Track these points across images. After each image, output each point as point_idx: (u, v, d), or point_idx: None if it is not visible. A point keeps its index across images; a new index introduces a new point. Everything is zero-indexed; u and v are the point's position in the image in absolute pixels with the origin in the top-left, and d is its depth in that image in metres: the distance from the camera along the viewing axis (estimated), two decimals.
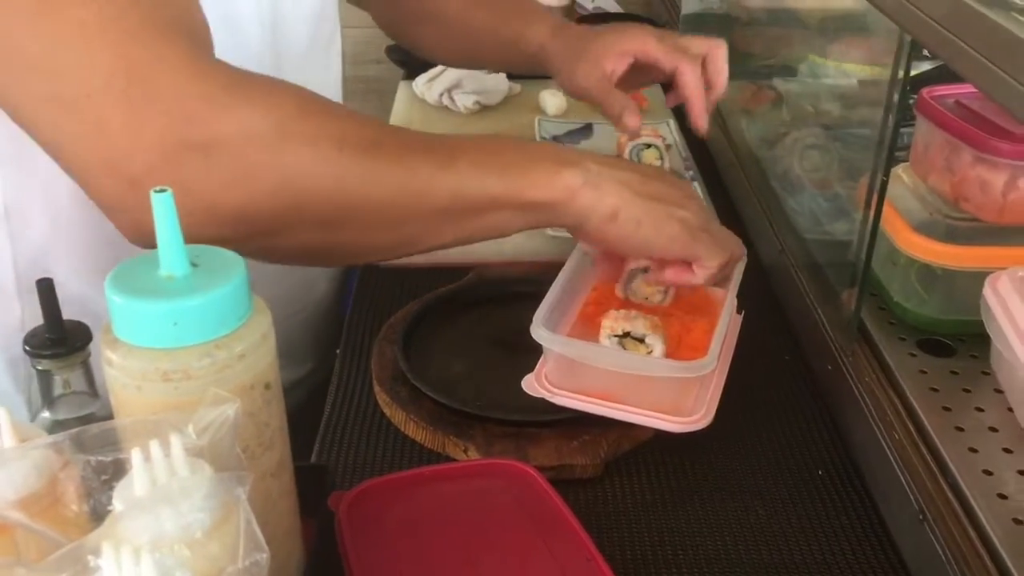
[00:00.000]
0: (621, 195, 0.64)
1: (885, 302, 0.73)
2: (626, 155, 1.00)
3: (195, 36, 0.59)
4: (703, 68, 0.83)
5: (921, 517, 0.56)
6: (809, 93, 1.04)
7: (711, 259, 0.68)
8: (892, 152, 0.63)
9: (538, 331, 0.68)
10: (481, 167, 0.62)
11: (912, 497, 0.58)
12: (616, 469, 0.69)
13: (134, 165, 0.54)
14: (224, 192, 0.55)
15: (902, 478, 0.59)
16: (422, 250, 0.65)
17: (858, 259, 0.69)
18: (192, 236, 0.44)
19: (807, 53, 1.08)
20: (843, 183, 0.86)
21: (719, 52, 0.84)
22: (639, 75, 0.85)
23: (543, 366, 0.72)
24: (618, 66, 0.84)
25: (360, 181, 0.58)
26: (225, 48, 0.61)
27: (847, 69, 1.01)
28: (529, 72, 0.94)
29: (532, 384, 0.70)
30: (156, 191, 0.43)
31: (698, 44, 0.84)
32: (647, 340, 0.71)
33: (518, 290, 0.86)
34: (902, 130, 0.65)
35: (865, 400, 0.65)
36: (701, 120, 0.82)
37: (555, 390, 0.69)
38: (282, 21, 0.79)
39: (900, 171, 0.74)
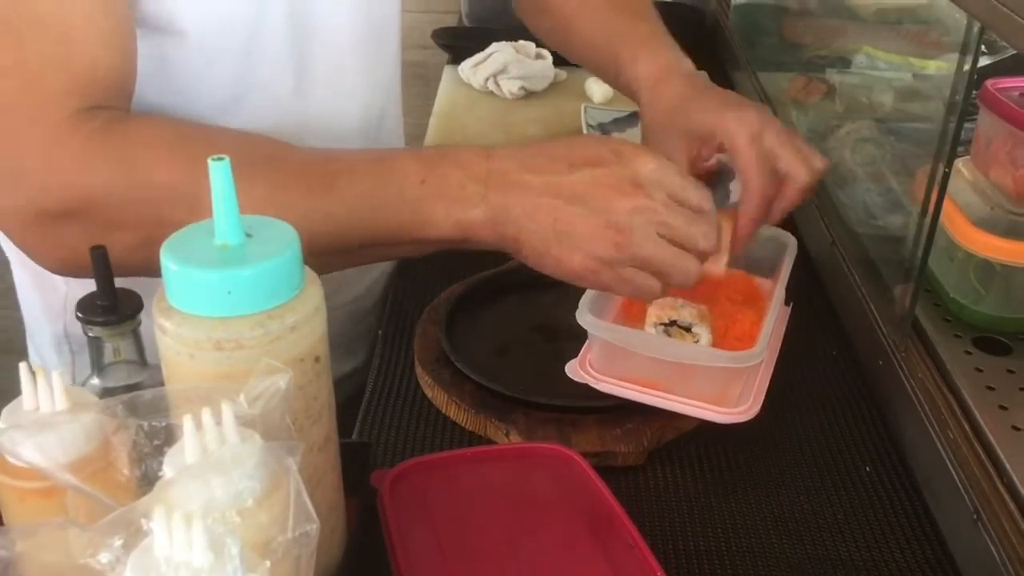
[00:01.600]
0: (523, 235, 0.59)
1: (940, 298, 0.71)
2: None
3: (83, 89, 0.59)
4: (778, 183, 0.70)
5: (975, 517, 0.55)
6: (863, 85, 1.02)
7: (622, 292, 0.62)
8: (956, 144, 0.61)
9: (584, 317, 0.67)
10: (371, 208, 0.59)
11: (966, 497, 0.56)
12: (658, 458, 0.68)
13: (10, 226, 0.60)
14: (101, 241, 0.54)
15: (956, 477, 0.57)
16: (330, 271, 0.60)
17: (914, 254, 0.67)
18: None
19: (861, 44, 1.06)
20: (898, 177, 0.84)
21: (796, 180, 0.69)
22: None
23: (587, 352, 0.71)
24: (699, 147, 0.73)
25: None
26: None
27: (904, 62, 0.99)
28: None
29: (576, 370, 0.70)
30: (214, 159, 0.43)
31: (788, 156, 0.69)
32: (694, 329, 0.70)
33: None
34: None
35: (918, 397, 0.64)
36: (741, 234, 0.69)
37: (599, 376, 0.69)
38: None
39: (960, 165, 0.73)
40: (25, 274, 0.83)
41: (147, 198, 0.58)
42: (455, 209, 0.59)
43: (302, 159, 0.62)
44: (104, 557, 0.33)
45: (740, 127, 0.69)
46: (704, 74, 0.81)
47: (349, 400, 0.73)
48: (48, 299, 0.81)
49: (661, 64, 0.78)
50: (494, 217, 0.59)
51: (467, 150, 0.61)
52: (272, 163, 0.60)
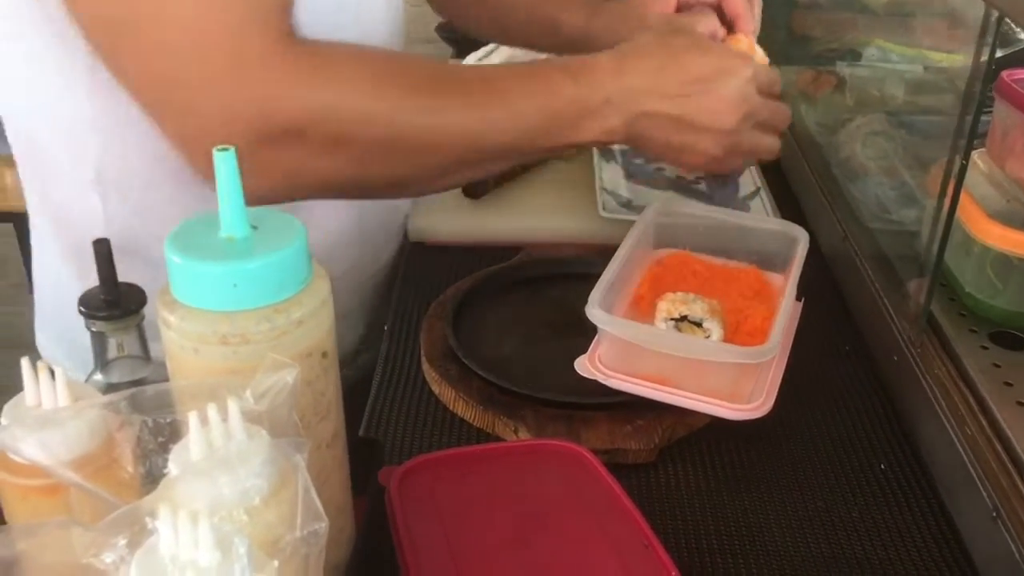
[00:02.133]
0: (649, 140, 0.70)
1: (956, 293, 0.70)
2: None
3: (283, 13, 0.61)
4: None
5: (995, 515, 0.54)
6: (874, 78, 1.01)
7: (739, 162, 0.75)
8: (973, 136, 0.60)
9: (594, 312, 0.66)
10: (536, 116, 0.67)
11: (985, 494, 0.55)
12: (670, 455, 0.67)
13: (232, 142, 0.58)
14: (312, 165, 0.62)
15: (974, 474, 0.56)
16: (469, 180, 0.81)
17: (929, 248, 0.66)
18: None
19: (872, 37, 1.05)
20: (911, 170, 0.83)
21: None
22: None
23: (596, 348, 0.70)
24: (666, 6, 0.83)
25: (431, 144, 0.65)
26: None
27: (916, 54, 0.98)
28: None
29: (585, 366, 0.69)
30: (219, 150, 0.42)
31: None
32: (704, 324, 0.69)
33: (568, 271, 0.85)
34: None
35: (934, 393, 0.63)
36: (749, 29, 0.82)
37: (609, 372, 0.68)
38: None
39: (975, 157, 0.71)
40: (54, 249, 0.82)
41: (358, 119, 0.62)
42: (600, 120, 0.68)
43: (474, 74, 0.71)
44: (108, 557, 0.32)
45: None
46: None
47: (350, 389, 0.73)
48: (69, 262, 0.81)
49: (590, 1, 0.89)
50: (629, 125, 0.69)
51: (601, 69, 0.69)
52: (458, 80, 0.68)
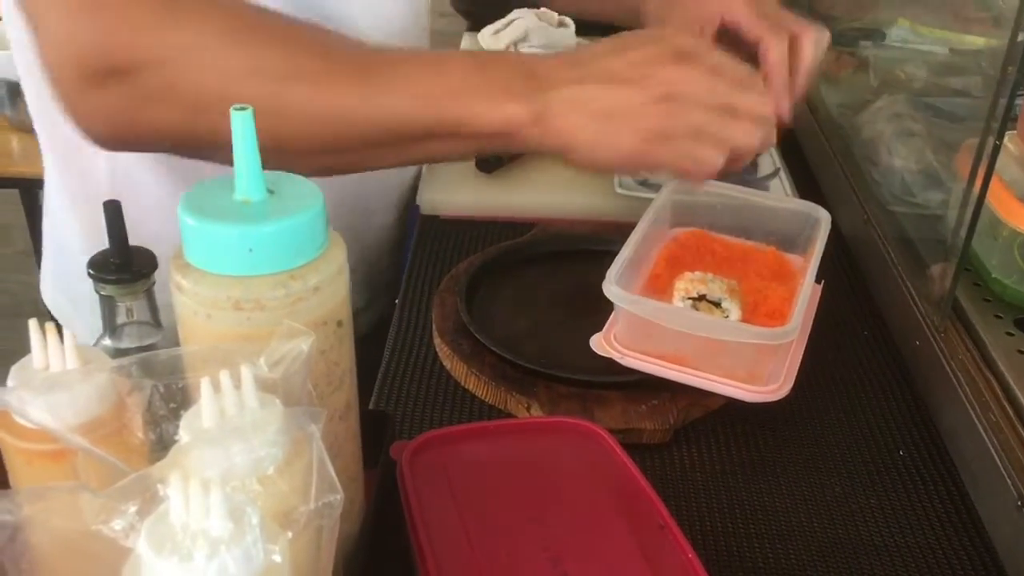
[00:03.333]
0: (570, 125, 0.59)
1: (981, 278, 0.68)
2: None
3: None
4: (790, 50, 0.73)
5: (1020, 503, 0.53)
6: (898, 59, 0.99)
7: (678, 165, 0.61)
8: (1007, 116, 0.58)
9: (611, 288, 0.65)
10: (418, 97, 0.59)
11: (1010, 482, 0.54)
12: (684, 436, 0.66)
13: (69, 76, 0.57)
14: (142, 112, 0.57)
15: (999, 462, 0.55)
16: (363, 170, 0.66)
17: (955, 232, 0.64)
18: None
19: (896, 17, 1.03)
20: (936, 153, 0.81)
21: (808, 36, 0.72)
22: (730, 46, 0.77)
23: (612, 326, 0.69)
24: (706, 29, 0.76)
25: (272, 112, 0.55)
26: None
27: (942, 35, 0.96)
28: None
29: (600, 344, 0.68)
30: (236, 109, 0.41)
31: (792, 20, 0.74)
32: (723, 304, 0.67)
33: (582, 248, 0.84)
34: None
35: (958, 379, 0.61)
36: (780, 102, 0.71)
37: (625, 352, 0.66)
38: None
39: (1006, 140, 0.70)
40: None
41: (195, 69, 0.57)
42: (502, 102, 0.59)
43: (356, 48, 0.62)
44: (117, 524, 0.31)
45: (742, 5, 0.74)
46: None
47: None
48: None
49: None
50: (541, 112, 0.59)
51: (517, 55, 0.64)
52: (328, 51, 0.60)
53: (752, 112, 0.61)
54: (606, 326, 0.69)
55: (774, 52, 0.72)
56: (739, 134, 0.60)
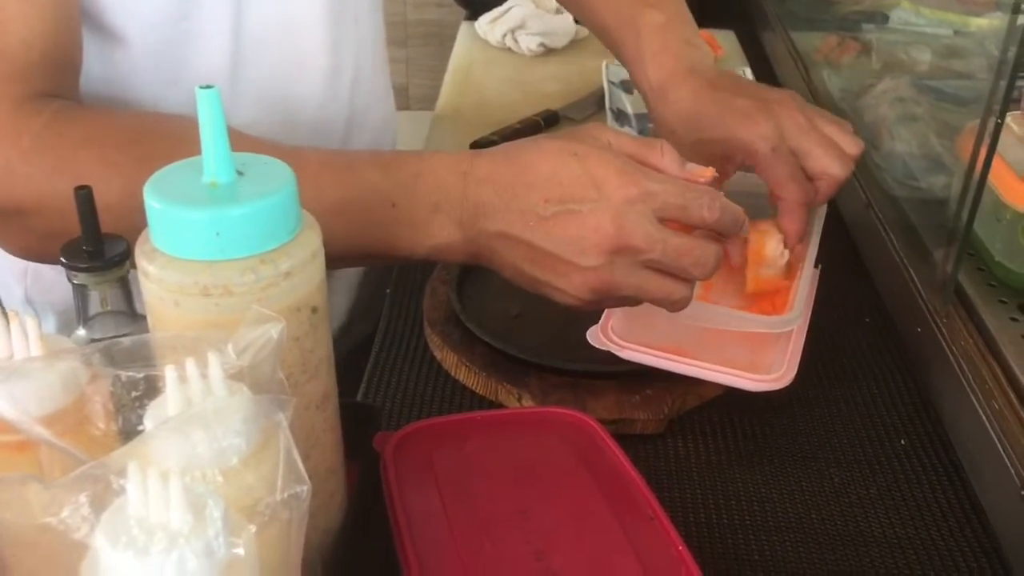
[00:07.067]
0: (498, 262, 0.57)
1: (984, 262, 0.67)
2: None
3: (25, 78, 0.57)
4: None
5: (1023, 492, 0.51)
6: (900, 42, 0.97)
7: (641, 301, 0.57)
8: (1008, 100, 0.57)
9: None
10: (340, 226, 0.55)
11: (1013, 471, 0.52)
12: (679, 426, 0.64)
13: None
14: (47, 245, 0.53)
15: (1002, 450, 0.53)
16: None
17: (958, 215, 0.62)
18: None
19: (897, 0, 1.01)
20: (939, 136, 0.79)
21: (829, 182, 0.66)
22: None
23: (609, 318, 0.67)
24: (727, 169, 0.69)
25: None
26: None
27: (944, 18, 0.94)
28: None
29: (598, 336, 0.66)
30: (202, 87, 0.39)
31: (817, 160, 0.65)
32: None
33: None
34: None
35: (960, 366, 0.60)
36: (795, 249, 0.66)
37: (623, 344, 0.65)
38: None
39: (1009, 120, 0.68)
40: None
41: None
42: (426, 237, 0.57)
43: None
44: (68, 515, 0.30)
45: (757, 140, 0.65)
46: (723, 70, 0.74)
47: (349, 353, 0.70)
48: (10, 261, 0.78)
49: (667, 67, 0.72)
50: (469, 242, 0.57)
51: (443, 167, 0.57)
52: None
53: (689, 271, 0.55)
54: (602, 318, 0.67)
55: (793, 205, 0.65)
56: (658, 290, 0.56)
